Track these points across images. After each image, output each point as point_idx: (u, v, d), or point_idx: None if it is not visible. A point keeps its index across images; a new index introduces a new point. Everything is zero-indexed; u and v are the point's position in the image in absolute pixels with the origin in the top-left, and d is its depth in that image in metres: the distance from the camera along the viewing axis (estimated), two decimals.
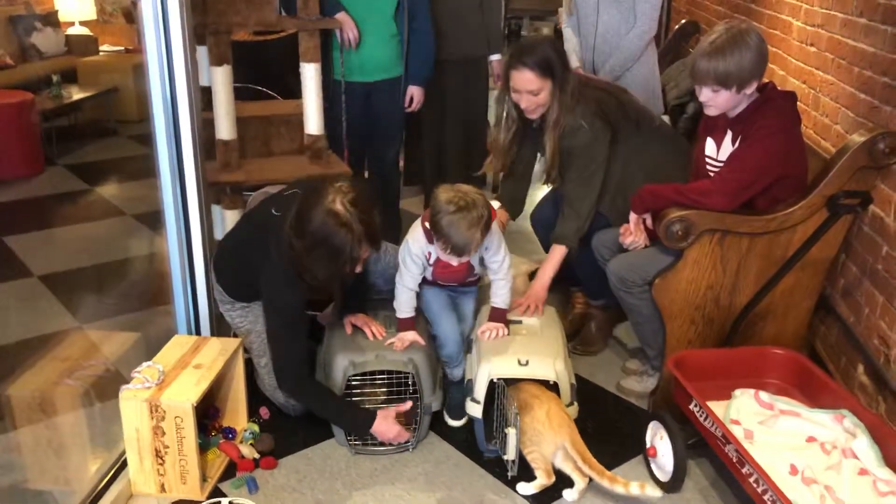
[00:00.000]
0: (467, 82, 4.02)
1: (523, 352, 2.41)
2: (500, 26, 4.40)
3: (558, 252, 2.81)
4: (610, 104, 2.81)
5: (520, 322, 2.62)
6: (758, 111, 2.41)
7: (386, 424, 2.40)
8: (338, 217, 2.20)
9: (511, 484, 2.36)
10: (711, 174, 2.55)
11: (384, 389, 2.52)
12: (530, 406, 2.29)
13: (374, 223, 2.27)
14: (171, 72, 2.48)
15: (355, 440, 2.49)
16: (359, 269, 2.33)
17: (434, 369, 2.55)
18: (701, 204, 2.41)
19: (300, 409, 2.60)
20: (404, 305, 2.54)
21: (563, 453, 2.28)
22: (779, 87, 2.50)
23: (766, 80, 2.46)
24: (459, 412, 2.62)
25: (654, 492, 2.18)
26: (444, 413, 2.64)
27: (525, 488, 2.32)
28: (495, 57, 4.10)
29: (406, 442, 2.48)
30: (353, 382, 2.45)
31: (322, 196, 2.23)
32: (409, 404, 2.44)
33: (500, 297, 2.57)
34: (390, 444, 2.48)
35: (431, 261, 2.51)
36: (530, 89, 2.66)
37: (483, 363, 2.39)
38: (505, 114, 2.85)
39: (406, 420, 2.50)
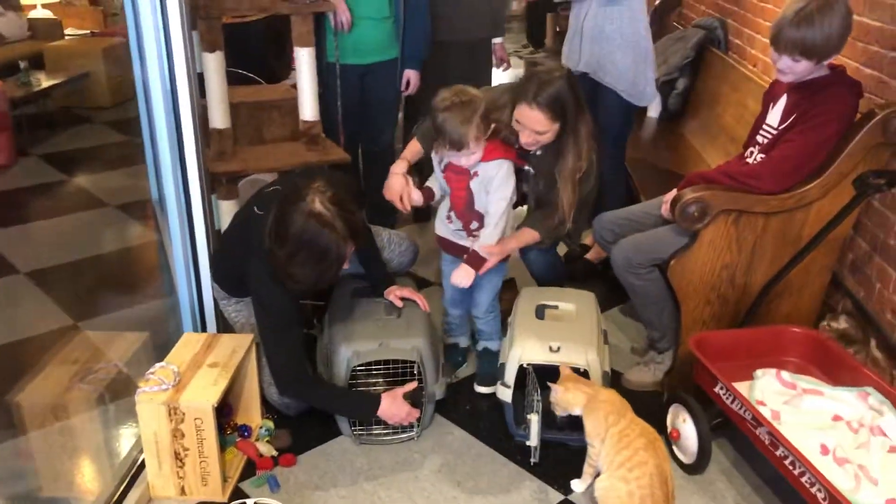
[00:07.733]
0: (471, 66, 3.88)
1: (556, 337, 2.37)
2: (505, 8, 4.31)
3: (530, 235, 2.61)
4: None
5: (556, 307, 2.57)
6: (826, 90, 2.35)
7: (395, 406, 2.34)
8: (320, 217, 2.13)
9: (534, 470, 2.35)
10: (759, 140, 2.53)
11: (381, 379, 2.46)
12: (645, 462, 2.04)
13: (356, 219, 2.22)
14: (171, 57, 2.38)
15: (359, 429, 2.44)
16: (346, 265, 2.27)
17: (437, 357, 2.52)
18: (753, 188, 2.39)
19: (296, 409, 2.52)
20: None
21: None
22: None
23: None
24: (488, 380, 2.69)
25: None
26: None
27: None
28: (498, 40, 4.02)
29: (411, 427, 2.45)
30: (357, 372, 2.39)
31: (300, 197, 2.16)
32: (414, 384, 2.39)
33: (482, 239, 2.50)
34: (395, 432, 2.44)
35: (442, 164, 2.53)
36: (536, 129, 2.46)
37: (514, 348, 2.36)
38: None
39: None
